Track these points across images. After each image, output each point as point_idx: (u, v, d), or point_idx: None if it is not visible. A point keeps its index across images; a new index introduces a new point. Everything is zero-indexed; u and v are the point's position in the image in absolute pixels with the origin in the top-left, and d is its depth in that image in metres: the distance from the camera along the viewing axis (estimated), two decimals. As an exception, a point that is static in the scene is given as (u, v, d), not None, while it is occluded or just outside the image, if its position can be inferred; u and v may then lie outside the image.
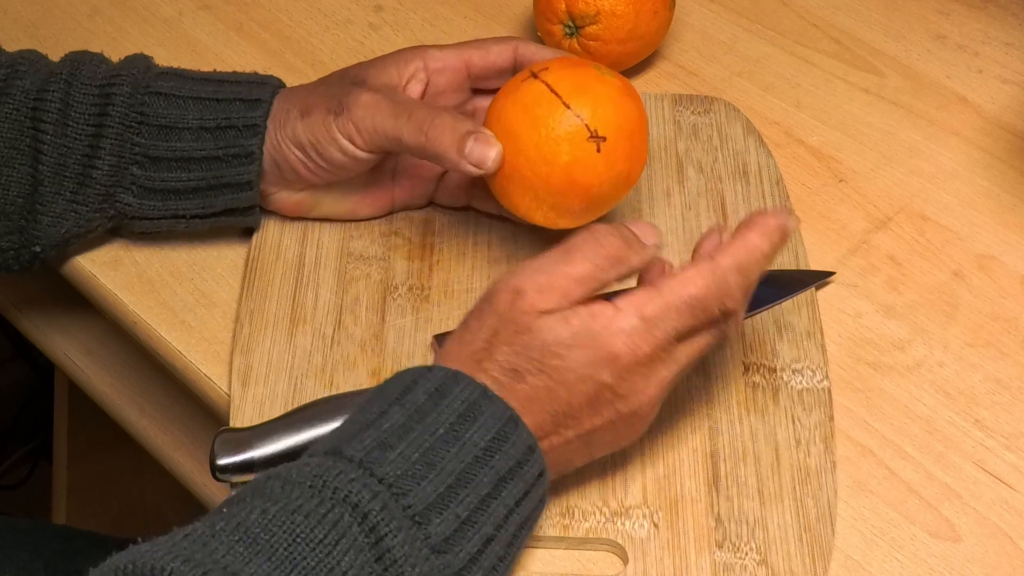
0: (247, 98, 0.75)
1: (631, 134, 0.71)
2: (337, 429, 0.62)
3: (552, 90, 0.71)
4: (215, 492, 0.87)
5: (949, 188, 0.84)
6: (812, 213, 0.82)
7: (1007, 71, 0.92)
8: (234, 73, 0.78)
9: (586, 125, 0.70)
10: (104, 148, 0.74)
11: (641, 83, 0.90)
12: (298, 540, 0.55)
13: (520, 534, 0.62)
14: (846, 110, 0.89)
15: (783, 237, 0.66)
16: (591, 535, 0.66)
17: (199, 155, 0.74)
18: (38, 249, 0.76)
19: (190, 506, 0.90)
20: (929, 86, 0.91)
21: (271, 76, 0.78)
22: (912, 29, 0.94)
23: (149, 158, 0.75)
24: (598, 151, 0.70)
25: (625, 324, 0.62)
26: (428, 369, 0.62)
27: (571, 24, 0.86)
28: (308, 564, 0.54)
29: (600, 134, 0.70)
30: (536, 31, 0.90)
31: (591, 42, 0.86)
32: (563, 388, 0.62)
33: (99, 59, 0.77)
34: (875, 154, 0.86)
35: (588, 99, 0.71)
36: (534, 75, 0.72)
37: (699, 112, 0.86)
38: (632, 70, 0.90)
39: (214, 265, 0.78)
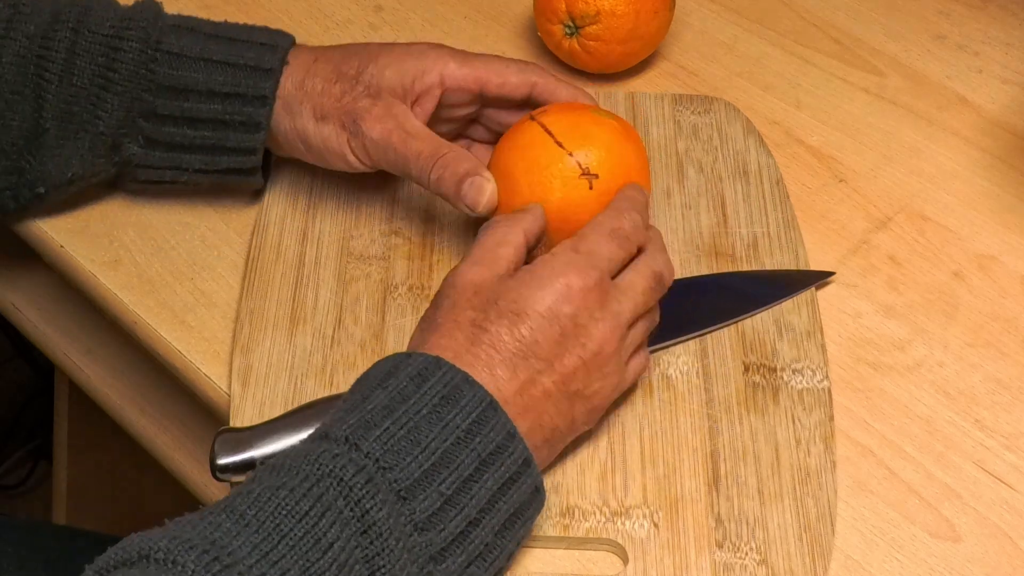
0: (258, 66, 0.75)
1: (627, 175, 0.72)
2: (324, 420, 0.63)
3: (547, 131, 0.72)
4: (215, 492, 0.87)
5: (949, 188, 0.84)
6: (812, 213, 0.82)
7: (1007, 71, 0.92)
8: (246, 28, 0.78)
9: (578, 163, 0.71)
10: (111, 103, 0.75)
11: (641, 83, 0.90)
12: (283, 514, 0.55)
13: (512, 525, 0.62)
14: (846, 110, 0.89)
15: (641, 189, 0.72)
16: (591, 535, 0.66)
17: (206, 116, 0.75)
18: (42, 190, 0.76)
19: (190, 506, 0.90)
20: (929, 86, 0.91)
21: (282, 36, 0.77)
22: (912, 29, 0.95)
23: (156, 115, 0.75)
24: (590, 188, 0.71)
25: (565, 259, 0.66)
26: (408, 355, 0.63)
27: (571, 24, 0.86)
28: (295, 535, 0.55)
29: (592, 171, 0.71)
30: (536, 31, 0.90)
31: (591, 42, 0.86)
32: (526, 328, 0.64)
33: (107, 2, 0.76)
34: (875, 154, 0.86)
35: (581, 139, 0.71)
36: (532, 118, 0.73)
37: (699, 112, 0.86)
38: (632, 70, 0.90)
39: (214, 265, 0.78)
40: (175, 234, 0.80)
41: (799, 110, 0.89)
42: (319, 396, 0.70)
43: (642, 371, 0.70)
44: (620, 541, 0.66)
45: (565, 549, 0.66)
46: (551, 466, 0.68)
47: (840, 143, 0.87)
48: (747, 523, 0.67)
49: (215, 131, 0.75)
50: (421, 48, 0.76)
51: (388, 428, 0.60)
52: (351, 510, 0.57)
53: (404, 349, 0.73)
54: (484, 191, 0.71)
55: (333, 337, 0.74)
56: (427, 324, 0.67)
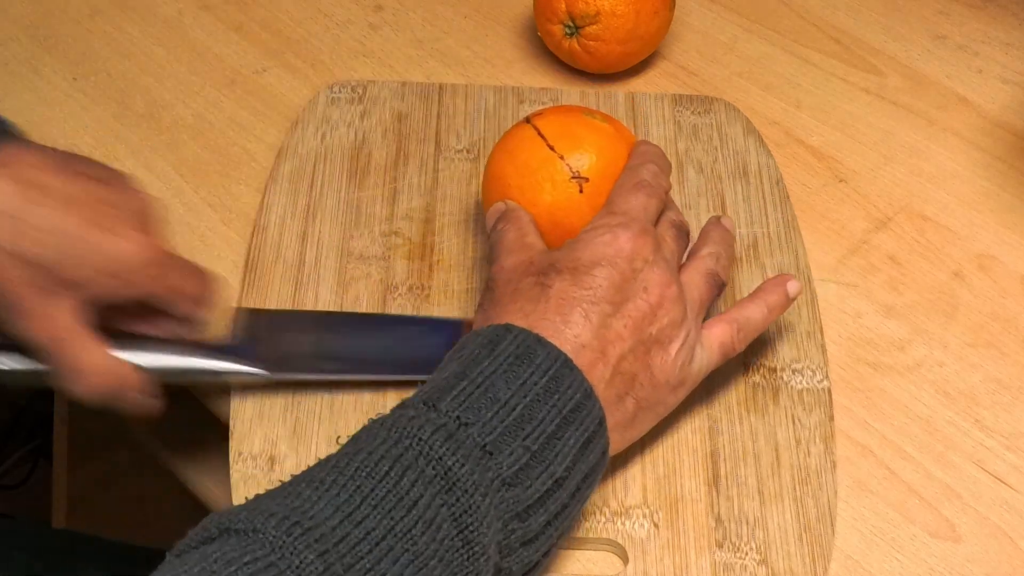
0: None
1: (618, 178, 0.72)
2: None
3: (540, 134, 0.72)
4: (216, 492, 0.87)
5: (949, 188, 0.84)
6: (812, 213, 0.82)
7: (1007, 71, 0.92)
8: None
9: (568, 166, 0.71)
10: None
11: (641, 83, 0.90)
12: (363, 475, 0.55)
13: (583, 487, 0.62)
14: (846, 110, 0.89)
15: (652, 142, 0.75)
16: (591, 535, 0.66)
17: None
18: None
19: (190, 506, 0.90)
20: (929, 86, 0.91)
21: None
22: (912, 29, 0.95)
23: None
24: (580, 192, 0.71)
25: (604, 222, 0.67)
26: (477, 331, 0.63)
27: (571, 24, 0.86)
28: (377, 495, 0.55)
29: (582, 175, 0.71)
30: (536, 31, 0.90)
31: (591, 42, 0.86)
32: (589, 277, 0.65)
33: None
34: (875, 154, 0.86)
35: (572, 142, 0.71)
36: (527, 120, 0.73)
37: (699, 112, 0.86)
38: (632, 70, 0.90)
39: (214, 265, 0.78)
40: (175, 234, 0.79)
41: (799, 110, 0.89)
42: (319, 396, 0.70)
43: (727, 340, 0.69)
44: (620, 541, 0.66)
45: (565, 549, 0.66)
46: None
47: (840, 143, 0.87)
48: (747, 523, 0.67)
49: None
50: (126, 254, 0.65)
51: (464, 388, 0.60)
52: (433, 468, 0.56)
53: (404, 349, 0.74)
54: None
55: (333, 337, 0.74)
56: (487, 304, 0.67)
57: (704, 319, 0.69)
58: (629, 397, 0.65)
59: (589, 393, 0.62)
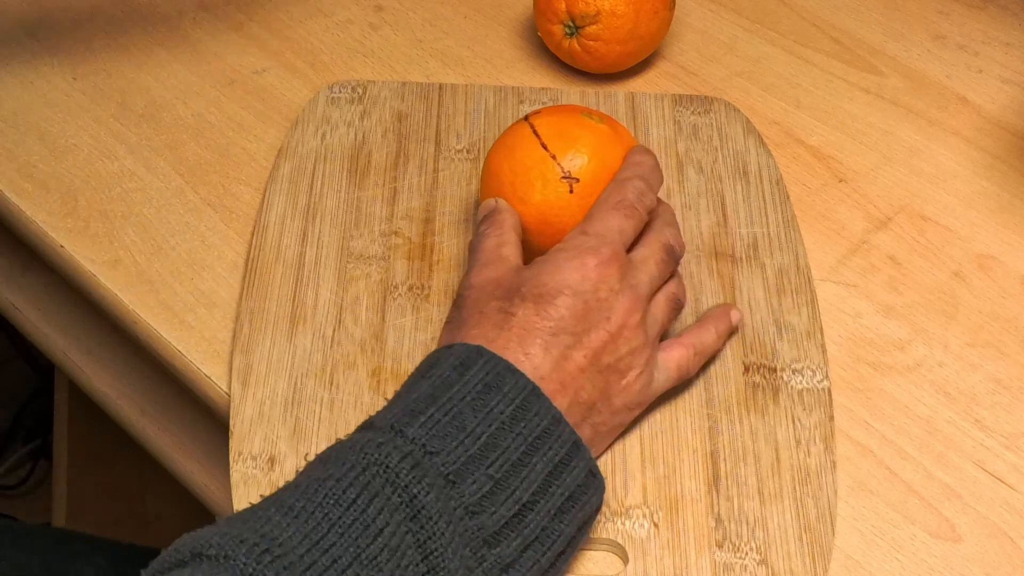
0: None
1: (611, 180, 0.72)
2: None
3: (535, 132, 0.72)
4: (216, 493, 0.87)
5: (949, 188, 0.84)
6: (812, 213, 0.82)
7: (1007, 71, 0.92)
8: None
9: (560, 166, 0.71)
10: None
11: (641, 83, 0.90)
12: (331, 503, 0.56)
13: (569, 509, 0.62)
14: (846, 110, 0.89)
15: (648, 149, 0.75)
16: (591, 535, 0.66)
17: None
18: None
19: (190, 507, 0.90)
20: (929, 86, 0.91)
21: None
22: (912, 29, 0.95)
23: None
24: (571, 192, 0.71)
25: (577, 243, 0.68)
26: (450, 347, 0.64)
27: (571, 24, 0.86)
28: (344, 523, 0.55)
29: (574, 175, 0.71)
30: (536, 31, 0.90)
31: (591, 42, 0.86)
32: (552, 307, 0.65)
33: None
34: (875, 154, 0.86)
35: (566, 142, 0.72)
36: (525, 118, 0.74)
37: (699, 112, 0.86)
38: (632, 70, 0.90)
39: (214, 265, 0.78)
40: (175, 234, 0.80)
41: (799, 110, 0.89)
42: (319, 396, 0.70)
43: (684, 363, 0.70)
44: (620, 541, 0.66)
45: (565, 549, 0.66)
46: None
47: (840, 143, 0.87)
48: (747, 523, 0.67)
49: None
50: None
51: (432, 415, 0.60)
52: (399, 496, 0.57)
53: (404, 349, 0.73)
54: None
55: (333, 337, 0.74)
56: (453, 324, 0.68)
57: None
58: (586, 424, 0.66)
59: (558, 419, 0.62)
